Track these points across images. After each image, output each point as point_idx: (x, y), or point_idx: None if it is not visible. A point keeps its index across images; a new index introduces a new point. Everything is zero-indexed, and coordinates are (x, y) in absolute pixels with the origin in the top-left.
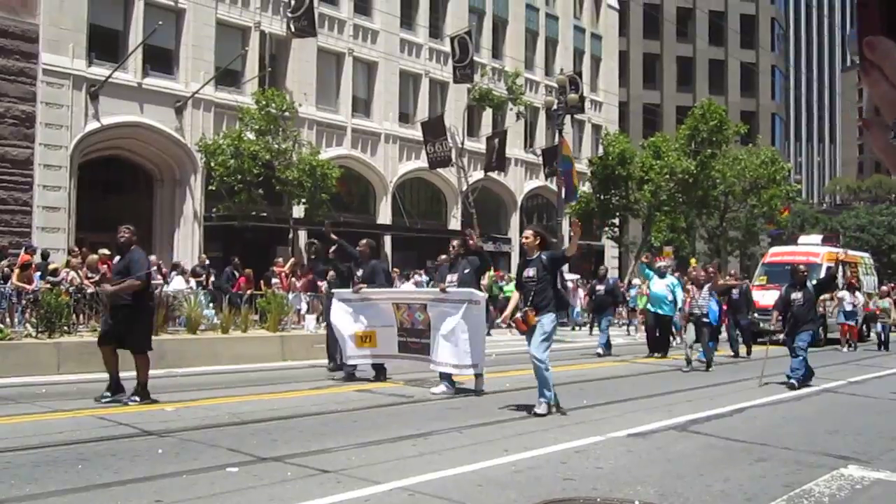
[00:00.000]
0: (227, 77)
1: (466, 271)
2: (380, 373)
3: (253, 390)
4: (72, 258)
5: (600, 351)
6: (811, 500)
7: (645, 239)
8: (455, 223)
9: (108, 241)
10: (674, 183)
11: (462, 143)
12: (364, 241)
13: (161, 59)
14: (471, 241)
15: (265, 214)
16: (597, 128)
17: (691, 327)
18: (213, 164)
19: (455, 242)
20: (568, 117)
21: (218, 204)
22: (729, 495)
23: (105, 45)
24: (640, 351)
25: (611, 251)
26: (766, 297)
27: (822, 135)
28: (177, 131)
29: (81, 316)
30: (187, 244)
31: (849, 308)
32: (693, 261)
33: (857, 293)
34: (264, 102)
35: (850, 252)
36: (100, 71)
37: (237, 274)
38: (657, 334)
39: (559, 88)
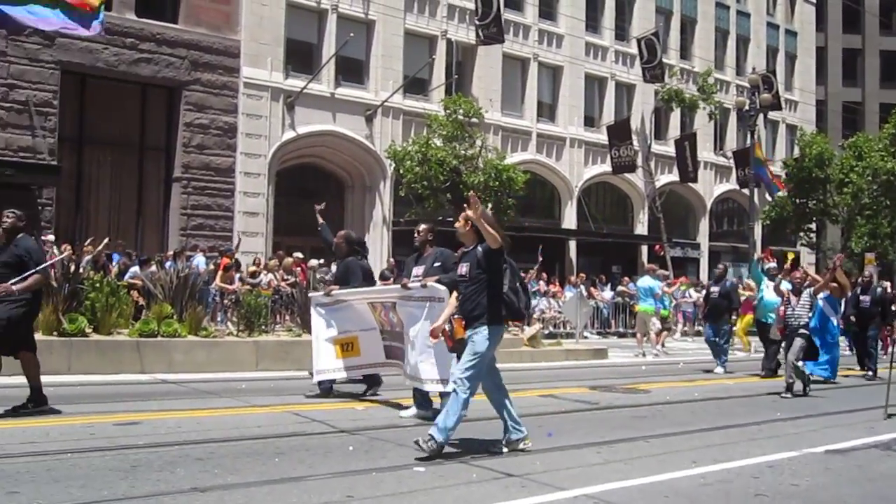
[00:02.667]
0: (415, 85)
1: (437, 265)
2: (374, 383)
3: None
4: (270, 261)
5: (719, 370)
6: None
7: (844, 245)
8: (642, 228)
9: (302, 245)
10: (877, 185)
11: (649, 147)
12: (341, 233)
13: (352, 70)
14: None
15: (451, 219)
16: (792, 128)
17: (793, 341)
18: (401, 171)
19: (422, 227)
20: (761, 118)
21: (406, 209)
22: None
23: (300, 57)
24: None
25: (807, 258)
26: None
27: None
28: (367, 139)
29: (279, 316)
30: (376, 248)
31: None
32: (789, 255)
33: None
34: (451, 109)
35: None
36: (295, 83)
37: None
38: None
39: (751, 88)
